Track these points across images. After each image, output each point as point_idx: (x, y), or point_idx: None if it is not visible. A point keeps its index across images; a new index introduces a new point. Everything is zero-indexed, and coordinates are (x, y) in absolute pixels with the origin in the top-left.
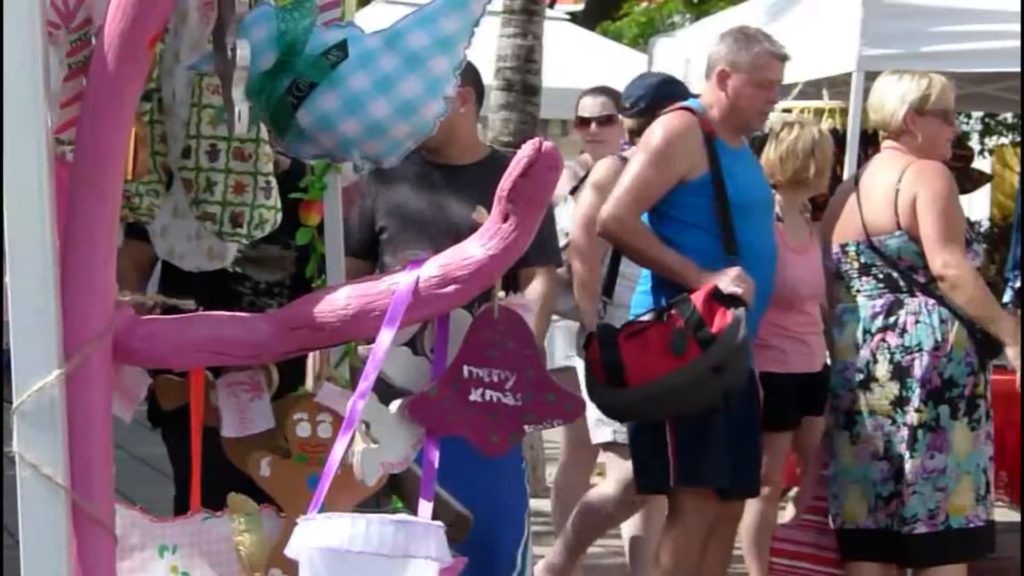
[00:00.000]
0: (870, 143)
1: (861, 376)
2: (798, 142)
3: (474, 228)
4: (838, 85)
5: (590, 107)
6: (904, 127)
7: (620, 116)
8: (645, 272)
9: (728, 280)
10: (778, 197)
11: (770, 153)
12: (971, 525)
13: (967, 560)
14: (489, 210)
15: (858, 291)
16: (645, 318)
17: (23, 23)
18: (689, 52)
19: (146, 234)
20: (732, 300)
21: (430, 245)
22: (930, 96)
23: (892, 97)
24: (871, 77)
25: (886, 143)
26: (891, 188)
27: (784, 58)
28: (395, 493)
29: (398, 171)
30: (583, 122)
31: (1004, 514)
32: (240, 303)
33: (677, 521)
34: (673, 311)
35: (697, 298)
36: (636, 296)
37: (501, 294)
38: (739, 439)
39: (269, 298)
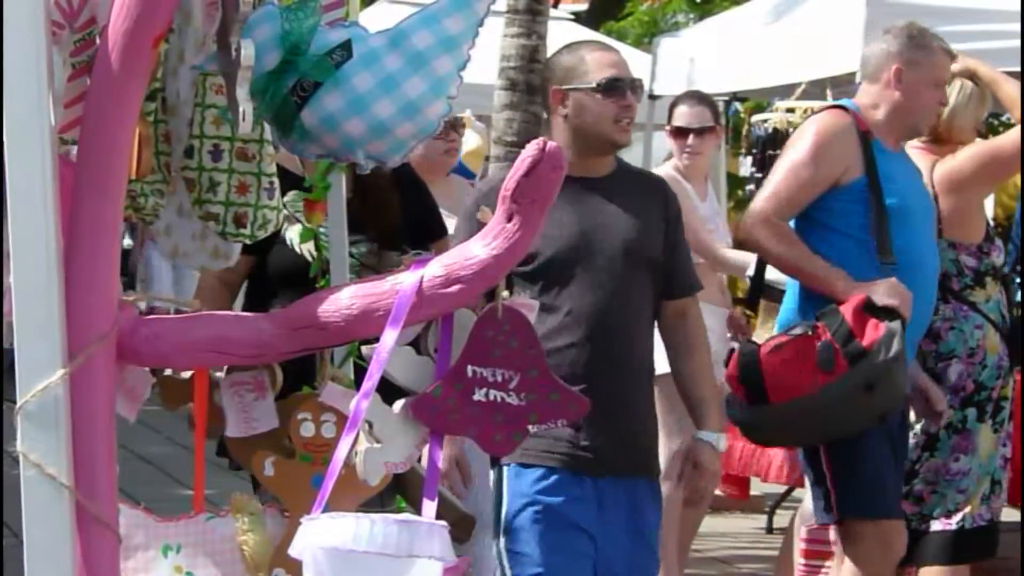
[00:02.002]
0: None
1: None
2: None
3: (635, 242)
4: (842, 84)
5: (687, 117)
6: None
7: (718, 127)
8: (791, 288)
9: (883, 291)
10: None
11: None
12: (975, 524)
13: (978, 559)
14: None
15: None
16: (791, 332)
17: (27, 23)
18: (693, 52)
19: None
20: (887, 313)
21: (601, 267)
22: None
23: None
24: None
25: (913, 142)
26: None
27: (954, 56)
28: (399, 493)
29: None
30: (679, 132)
31: (1006, 514)
32: None
33: (855, 553)
34: (820, 323)
35: (846, 309)
36: (782, 315)
37: (505, 294)
38: (899, 461)
39: None
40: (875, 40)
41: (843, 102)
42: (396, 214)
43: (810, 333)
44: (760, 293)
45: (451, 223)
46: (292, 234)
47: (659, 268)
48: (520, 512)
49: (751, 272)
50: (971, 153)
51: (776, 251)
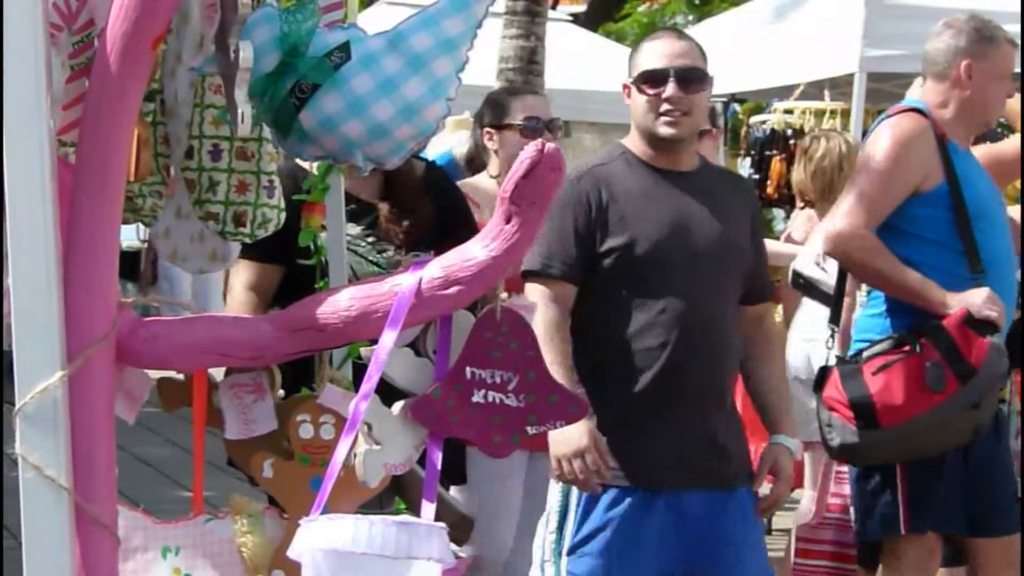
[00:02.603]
0: None
1: None
2: (825, 159)
3: (727, 240)
4: (840, 86)
5: None
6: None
7: (713, 130)
8: (874, 294)
9: (980, 302)
10: (810, 212)
11: (800, 171)
12: None
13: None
14: None
15: None
16: (882, 346)
17: (25, 25)
18: None
19: (267, 255)
20: (985, 325)
21: (693, 263)
22: None
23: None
24: (873, 78)
25: None
26: None
27: (1016, 45)
28: (398, 494)
29: (615, 179)
30: None
31: None
32: None
33: (907, 564)
34: (924, 340)
35: (951, 325)
36: (863, 319)
37: (504, 295)
38: (981, 476)
39: None
40: (937, 35)
41: (913, 103)
42: (427, 219)
43: (915, 350)
44: (840, 309)
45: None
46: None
47: (746, 270)
48: (590, 533)
49: (798, 266)
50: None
51: (867, 263)
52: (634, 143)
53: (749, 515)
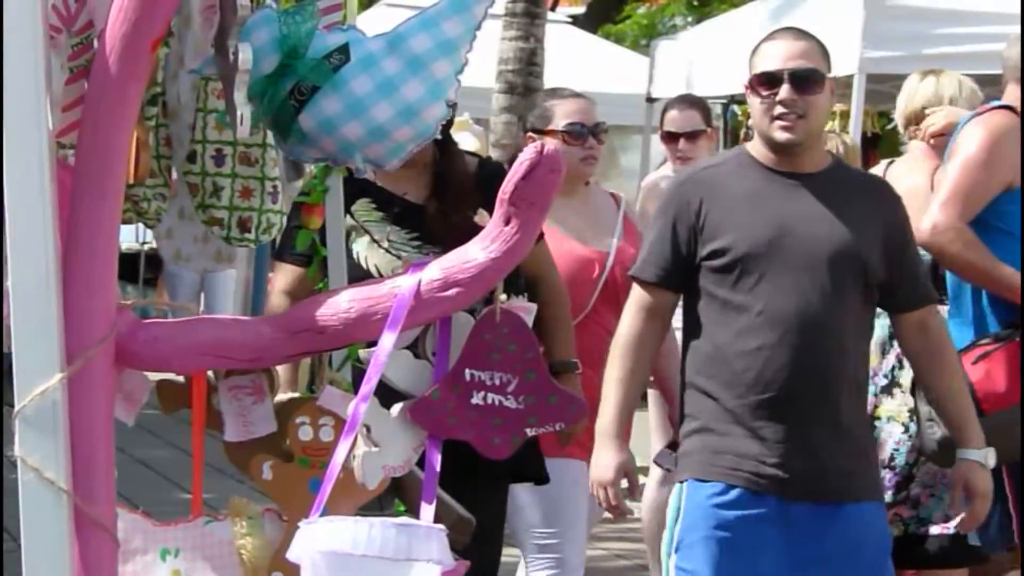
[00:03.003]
0: (871, 146)
1: (885, 382)
2: None
3: (842, 245)
4: (839, 87)
5: (677, 121)
6: (939, 130)
7: (708, 130)
8: (958, 303)
9: None
10: None
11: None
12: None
13: (976, 563)
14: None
15: None
16: (986, 340)
17: (25, 27)
18: (691, 54)
19: (304, 259)
20: None
21: (800, 267)
22: (959, 98)
23: (930, 98)
24: (873, 80)
25: (913, 143)
26: (922, 194)
27: None
28: (397, 496)
29: (721, 181)
30: (670, 137)
31: None
32: None
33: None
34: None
35: None
36: (957, 322)
37: (503, 297)
38: None
39: None
40: (1014, 41)
41: (1002, 103)
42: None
43: (1016, 339)
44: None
45: (588, 236)
46: (359, 247)
47: (876, 277)
48: (695, 529)
49: None
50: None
51: (964, 257)
52: (754, 144)
53: (859, 533)
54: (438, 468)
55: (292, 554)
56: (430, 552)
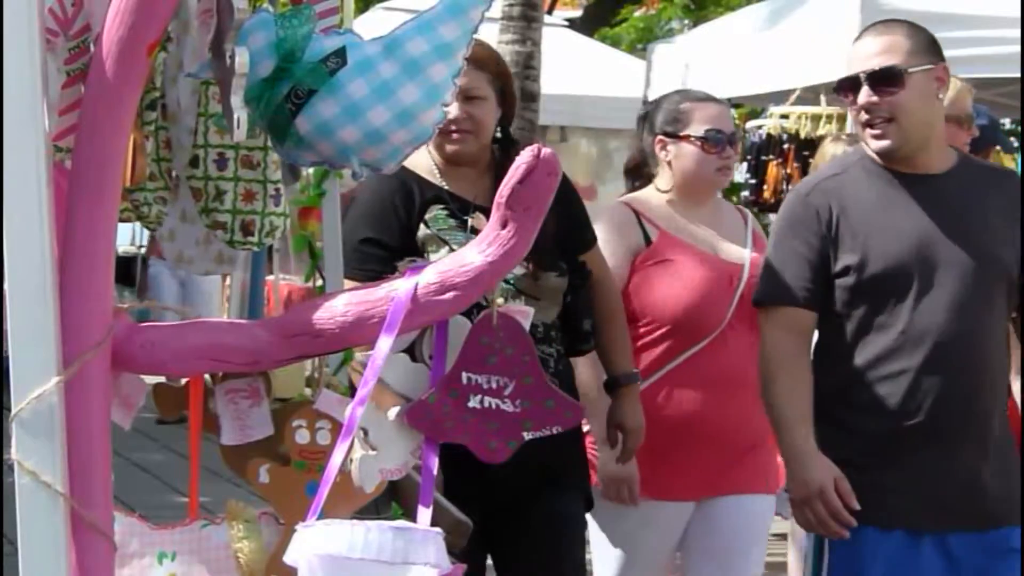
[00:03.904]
0: None
1: None
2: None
3: (987, 250)
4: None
5: None
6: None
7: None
8: None
9: None
10: None
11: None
12: None
13: None
14: None
15: None
16: None
17: (21, 30)
18: (687, 58)
19: (373, 276)
20: None
21: (943, 280)
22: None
23: None
24: None
25: None
26: None
27: None
28: (394, 500)
29: (849, 189)
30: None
31: None
32: None
33: None
34: None
35: None
36: None
37: (500, 300)
38: None
39: (547, 345)
40: None
41: None
42: (551, 225)
43: None
44: None
45: (719, 248)
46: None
47: (1012, 279)
48: None
49: None
50: None
51: None
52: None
53: (1007, 556)
54: (435, 471)
55: (289, 557)
56: (427, 556)
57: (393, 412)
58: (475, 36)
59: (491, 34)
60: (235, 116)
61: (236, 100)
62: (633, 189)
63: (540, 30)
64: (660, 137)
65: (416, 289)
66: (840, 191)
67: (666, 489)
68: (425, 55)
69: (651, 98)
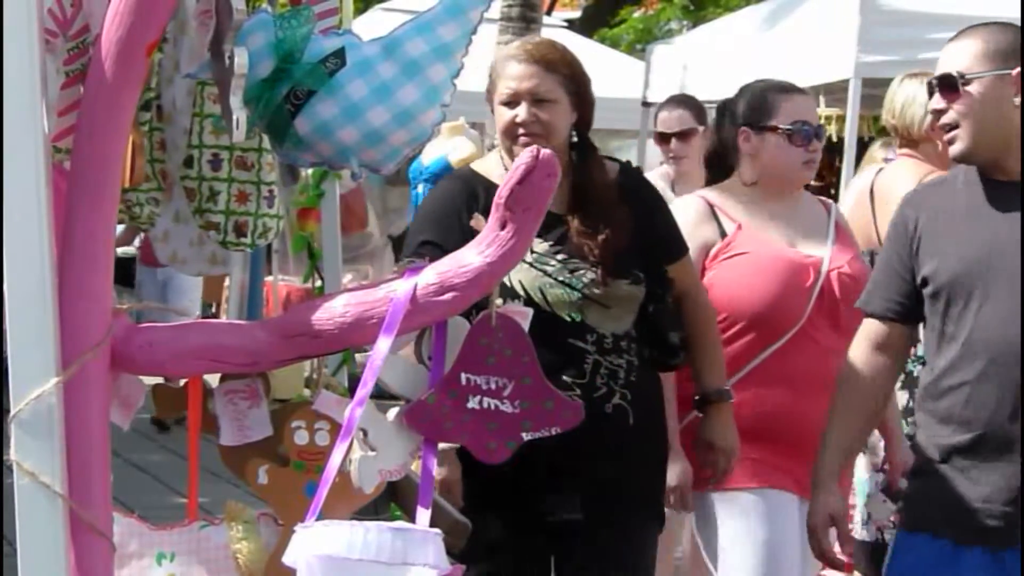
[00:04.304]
0: (866, 150)
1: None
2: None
3: None
4: (835, 92)
5: (668, 122)
6: (926, 135)
7: (700, 128)
8: None
9: None
10: None
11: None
12: None
13: None
14: None
15: None
16: None
17: (20, 31)
18: (686, 59)
19: None
20: None
21: (1010, 289)
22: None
23: (914, 103)
24: (868, 84)
25: (902, 150)
26: None
27: None
28: (393, 500)
29: (943, 197)
30: (662, 138)
31: None
32: (582, 361)
33: None
34: None
35: None
36: None
37: (499, 301)
38: None
39: (617, 356)
40: None
41: None
42: (624, 232)
43: None
44: None
45: (799, 242)
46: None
47: None
48: None
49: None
50: None
51: None
52: None
53: None
54: (434, 472)
55: (288, 558)
56: (426, 556)
57: (392, 413)
58: (527, 39)
59: (490, 35)
60: (234, 117)
61: (235, 101)
62: (713, 182)
63: (539, 31)
64: (744, 129)
65: (415, 290)
66: (932, 198)
67: (771, 479)
68: (424, 56)
69: (650, 99)
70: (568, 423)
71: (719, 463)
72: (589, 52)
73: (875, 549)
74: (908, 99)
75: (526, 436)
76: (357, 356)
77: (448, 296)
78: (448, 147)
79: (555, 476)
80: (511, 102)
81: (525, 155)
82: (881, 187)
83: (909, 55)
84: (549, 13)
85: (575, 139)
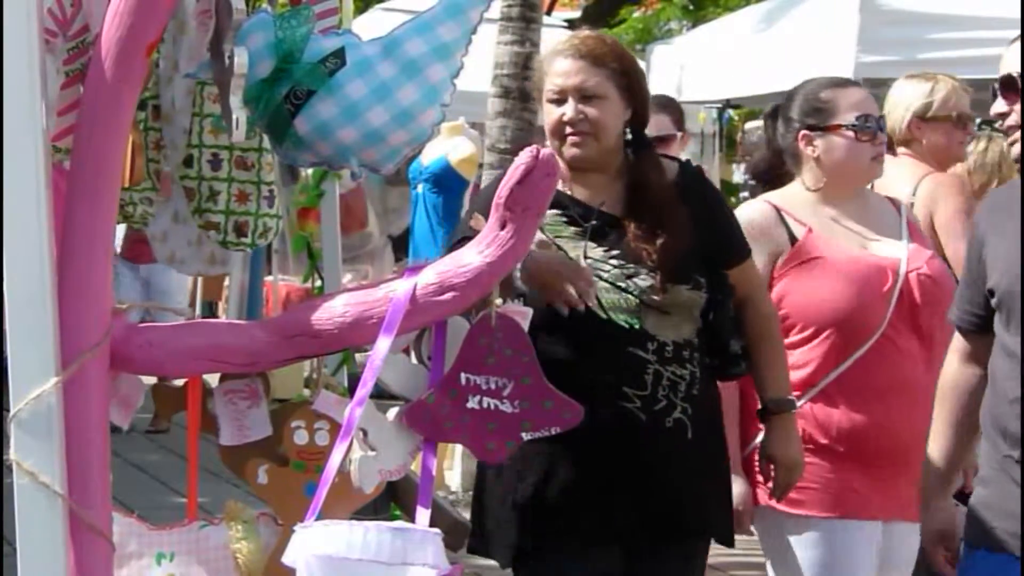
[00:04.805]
0: None
1: None
2: (987, 155)
3: None
4: None
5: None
6: (909, 134)
7: (679, 134)
8: None
9: None
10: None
11: (957, 167)
12: None
13: None
14: None
15: None
16: None
17: (20, 31)
18: (686, 59)
19: None
20: None
21: None
22: (933, 102)
23: (899, 105)
24: (868, 84)
25: (900, 149)
26: (904, 200)
27: None
28: (393, 500)
29: (1013, 202)
30: None
31: None
32: (642, 371)
33: None
34: None
35: None
36: None
37: (498, 301)
38: None
39: (679, 366)
40: None
41: None
42: (684, 235)
43: None
44: None
45: (872, 243)
46: None
47: None
48: None
49: None
50: (957, 185)
51: None
52: None
53: None
54: (434, 472)
55: (287, 558)
56: (425, 556)
57: (392, 413)
58: (575, 33)
59: (490, 35)
60: (234, 117)
61: (235, 101)
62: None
63: (539, 31)
64: (804, 132)
65: (415, 290)
66: (1002, 205)
67: (851, 508)
68: (424, 56)
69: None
70: (568, 423)
71: (780, 478)
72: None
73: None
74: (894, 100)
75: (526, 436)
76: (357, 356)
77: (448, 296)
78: (448, 147)
79: (612, 493)
80: (558, 99)
81: (524, 155)
82: (879, 186)
83: (909, 55)
84: (549, 13)
85: (629, 136)
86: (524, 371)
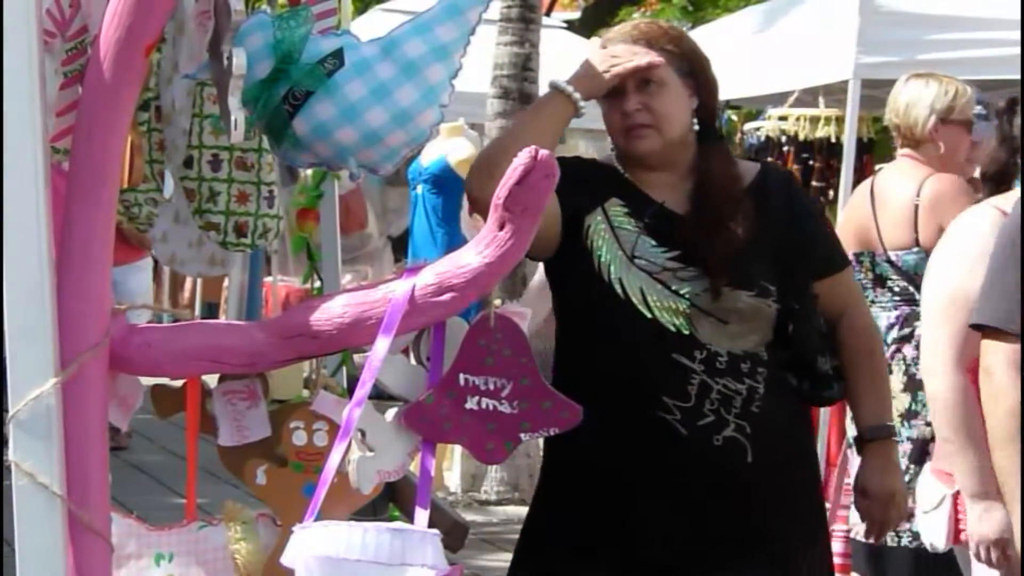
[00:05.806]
0: (866, 150)
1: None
2: None
3: None
4: (834, 93)
5: None
6: (929, 136)
7: None
8: None
9: None
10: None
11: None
12: None
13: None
14: None
15: (873, 302)
16: None
17: (20, 31)
18: None
19: None
20: None
21: None
22: (955, 106)
23: (919, 104)
24: (868, 85)
25: (903, 150)
26: (909, 202)
27: None
28: (392, 501)
29: None
30: None
31: None
32: (686, 382)
33: None
34: None
35: None
36: None
37: (497, 302)
38: None
39: (734, 379)
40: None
41: None
42: (748, 236)
43: None
44: None
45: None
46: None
47: None
48: None
49: None
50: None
51: None
52: None
53: None
54: (432, 472)
55: (286, 559)
56: (424, 557)
57: (391, 413)
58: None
59: (489, 36)
60: (233, 118)
61: (234, 101)
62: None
63: (538, 32)
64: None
65: (414, 290)
66: None
67: None
68: (422, 56)
69: None
70: (566, 424)
71: (873, 512)
72: (588, 53)
73: (873, 550)
74: (912, 99)
75: (524, 437)
76: (356, 357)
77: (446, 297)
78: (447, 148)
79: (654, 514)
80: (615, 91)
81: (524, 156)
82: (881, 188)
83: (909, 56)
84: (548, 14)
85: (696, 127)
86: (523, 372)
